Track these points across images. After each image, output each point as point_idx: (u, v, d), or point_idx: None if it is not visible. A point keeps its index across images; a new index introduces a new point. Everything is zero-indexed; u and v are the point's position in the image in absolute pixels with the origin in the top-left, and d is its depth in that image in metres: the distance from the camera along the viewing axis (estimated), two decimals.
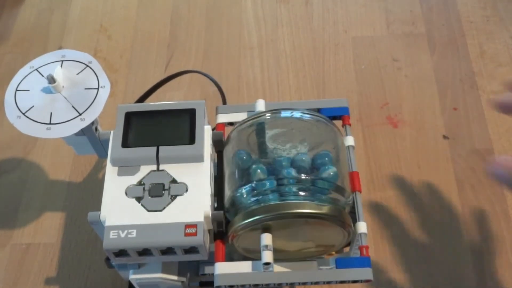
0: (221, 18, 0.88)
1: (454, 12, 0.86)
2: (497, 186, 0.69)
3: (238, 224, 0.42)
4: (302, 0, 0.89)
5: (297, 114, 0.47)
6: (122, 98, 0.79)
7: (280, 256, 0.44)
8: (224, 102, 0.67)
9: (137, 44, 0.86)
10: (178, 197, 0.43)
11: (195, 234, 0.41)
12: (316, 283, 0.43)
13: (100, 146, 0.50)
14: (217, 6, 0.90)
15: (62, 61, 0.49)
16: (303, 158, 0.44)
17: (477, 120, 0.75)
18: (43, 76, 0.47)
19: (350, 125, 0.51)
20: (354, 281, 0.43)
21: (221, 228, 0.44)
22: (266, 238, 0.42)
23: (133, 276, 0.47)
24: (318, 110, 0.51)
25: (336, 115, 0.51)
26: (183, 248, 0.42)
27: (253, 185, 0.43)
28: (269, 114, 0.48)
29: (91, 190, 0.71)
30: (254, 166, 0.44)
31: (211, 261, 0.44)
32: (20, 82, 0.47)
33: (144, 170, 0.45)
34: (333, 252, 0.48)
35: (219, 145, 0.48)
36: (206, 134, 0.46)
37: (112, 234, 0.41)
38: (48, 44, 0.86)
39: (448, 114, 0.76)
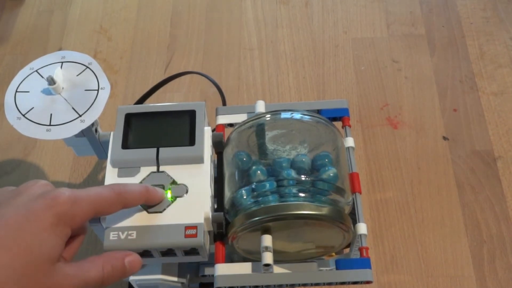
0: (221, 19, 0.88)
1: (454, 14, 0.86)
2: (497, 187, 0.69)
3: (238, 225, 0.42)
4: (302, 1, 0.89)
5: (297, 115, 0.47)
6: (122, 99, 0.79)
7: (280, 257, 0.44)
8: (224, 103, 0.67)
9: (137, 45, 0.86)
10: (178, 199, 0.43)
11: (195, 235, 0.41)
12: (316, 284, 0.43)
13: (100, 148, 0.50)
14: (217, 7, 0.90)
15: (62, 62, 0.49)
16: (303, 159, 0.44)
17: (477, 121, 0.75)
18: (43, 77, 0.47)
19: (350, 126, 0.50)
20: (354, 282, 0.43)
21: (221, 229, 0.44)
22: (266, 240, 0.42)
23: (133, 278, 0.47)
24: (318, 111, 0.51)
25: (336, 116, 0.51)
26: (183, 250, 0.42)
27: (253, 186, 0.43)
28: (269, 115, 0.47)
29: None
30: (254, 167, 0.44)
31: (211, 262, 0.44)
32: (20, 84, 0.47)
33: (144, 171, 0.44)
34: (333, 253, 0.48)
35: (219, 146, 0.48)
36: (206, 136, 0.46)
37: (112, 236, 0.41)
38: (48, 45, 0.87)
39: (448, 115, 0.76)
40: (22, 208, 0.33)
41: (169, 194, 0.43)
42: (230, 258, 0.47)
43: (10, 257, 0.31)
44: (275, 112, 0.48)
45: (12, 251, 0.31)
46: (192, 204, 0.43)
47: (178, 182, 0.44)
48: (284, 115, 0.48)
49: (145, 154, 0.45)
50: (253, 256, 0.45)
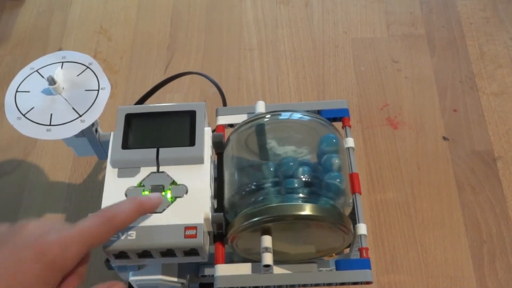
0: (221, 20, 0.88)
1: (454, 14, 0.86)
2: (497, 187, 0.69)
3: (238, 225, 0.42)
4: (302, 2, 0.89)
5: (296, 116, 0.47)
6: (122, 99, 0.79)
7: (280, 257, 0.44)
8: (224, 104, 0.67)
9: (137, 46, 0.86)
10: (178, 199, 0.43)
11: (195, 236, 0.41)
12: (316, 285, 0.43)
13: (100, 148, 0.50)
14: (217, 7, 0.90)
15: (63, 62, 0.49)
16: (302, 160, 0.44)
17: (477, 122, 0.75)
18: (43, 77, 0.47)
19: (350, 126, 0.50)
20: (354, 283, 0.43)
21: (221, 230, 0.44)
22: (266, 240, 0.42)
23: (133, 278, 0.47)
24: (318, 112, 0.51)
25: (336, 117, 0.51)
26: (183, 250, 0.42)
27: (253, 187, 0.43)
28: (269, 116, 0.48)
29: (91, 192, 0.71)
30: (253, 168, 0.44)
31: (211, 263, 0.44)
32: (20, 83, 0.47)
33: (144, 171, 0.44)
34: (333, 254, 0.48)
35: (219, 147, 0.48)
36: (206, 136, 0.46)
37: (112, 236, 0.41)
38: (48, 46, 0.87)
39: (448, 116, 0.76)
40: (10, 258, 0.32)
41: (168, 195, 0.43)
42: (230, 258, 0.47)
43: None
44: (274, 113, 0.48)
45: None
46: (192, 205, 0.43)
47: (178, 183, 0.44)
48: (284, 115, 0.48)
49: (145, 155, 0.45)
50: (253, 257, 0.45)
